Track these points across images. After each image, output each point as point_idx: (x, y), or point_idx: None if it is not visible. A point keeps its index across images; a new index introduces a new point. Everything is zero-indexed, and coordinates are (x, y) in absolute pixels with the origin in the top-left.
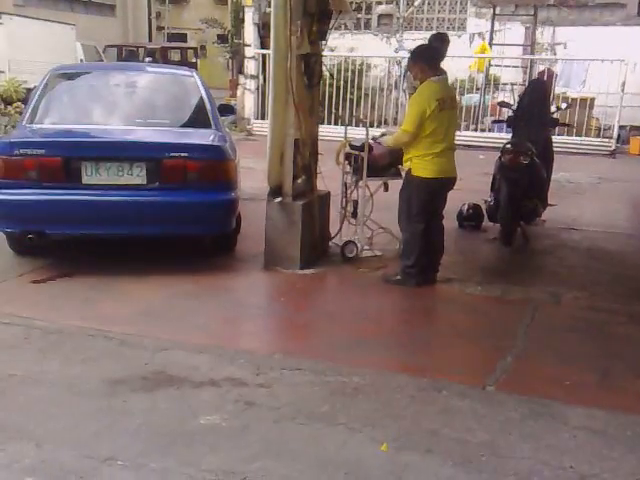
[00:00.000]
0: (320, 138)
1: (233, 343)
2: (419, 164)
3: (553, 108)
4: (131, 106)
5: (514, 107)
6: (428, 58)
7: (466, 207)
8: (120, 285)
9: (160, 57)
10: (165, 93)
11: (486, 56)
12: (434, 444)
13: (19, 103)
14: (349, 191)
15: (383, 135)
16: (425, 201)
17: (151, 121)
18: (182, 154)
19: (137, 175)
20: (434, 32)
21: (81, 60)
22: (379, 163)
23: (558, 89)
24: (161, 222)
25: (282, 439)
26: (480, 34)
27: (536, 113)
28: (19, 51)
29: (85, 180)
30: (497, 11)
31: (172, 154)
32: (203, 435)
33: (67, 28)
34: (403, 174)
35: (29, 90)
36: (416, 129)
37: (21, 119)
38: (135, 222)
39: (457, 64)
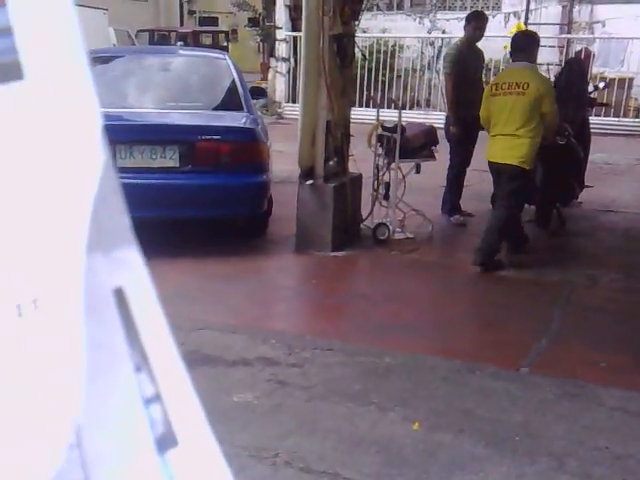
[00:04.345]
0: (352, 121)
1: (265, 324)
2: None
3: (590, 87)
4: (164, 89)
5: None
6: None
7: None
8: (153, 267)
9: (192, 41)
10: (198, 76)
11: None
12: (467, 424)
13: None
14: (381, 173)
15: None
16: (493, 182)
17: (184, 104)
18: (215, 137)
19: (170, 158)
20: (468, 12)
21: (114, 45)
22: (411, 145)
23: (596, 69)
24: (193, 205)
25: (314, 417)
26: (515, 13)
27: (573, 93)
28: None
29: (119, 163)
30: None
31: (205, 137)
32: (237, 413)
33: (99, 13)
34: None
35: None
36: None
37: None
38: (168, 205)
39: (492, 44)
